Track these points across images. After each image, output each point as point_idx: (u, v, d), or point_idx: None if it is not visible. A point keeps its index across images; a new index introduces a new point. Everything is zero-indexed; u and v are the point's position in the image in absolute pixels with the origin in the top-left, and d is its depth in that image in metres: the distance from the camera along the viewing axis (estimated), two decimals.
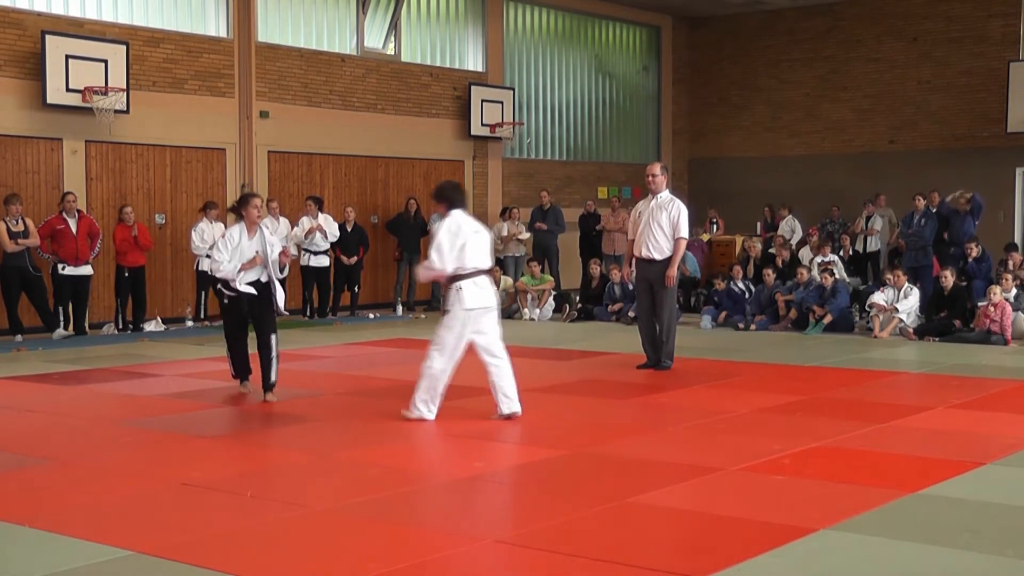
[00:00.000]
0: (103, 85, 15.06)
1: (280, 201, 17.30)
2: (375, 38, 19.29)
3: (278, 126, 17.61)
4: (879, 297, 14.21)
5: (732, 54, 24.33)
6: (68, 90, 14.88)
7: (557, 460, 7.01)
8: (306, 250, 16.90)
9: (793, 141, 23.56)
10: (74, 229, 14.29)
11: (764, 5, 23.20)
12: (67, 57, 14.84)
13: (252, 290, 9.27)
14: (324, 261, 17.09)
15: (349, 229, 17.32)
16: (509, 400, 8.36)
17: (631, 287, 14.21)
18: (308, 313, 17.01)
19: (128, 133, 15.85)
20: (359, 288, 17.56)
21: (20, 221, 13.83)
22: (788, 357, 12.13)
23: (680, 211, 11.00)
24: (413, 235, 18.16)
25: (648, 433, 7.91)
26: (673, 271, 10.95)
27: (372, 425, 8.36)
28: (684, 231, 10.98)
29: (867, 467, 6.80)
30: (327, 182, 18.36)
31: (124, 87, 15.32)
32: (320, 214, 16.90)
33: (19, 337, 13.68)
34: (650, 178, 11.19)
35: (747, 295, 15.76)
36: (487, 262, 8.41)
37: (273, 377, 9.30)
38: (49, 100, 14.84)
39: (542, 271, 17.81)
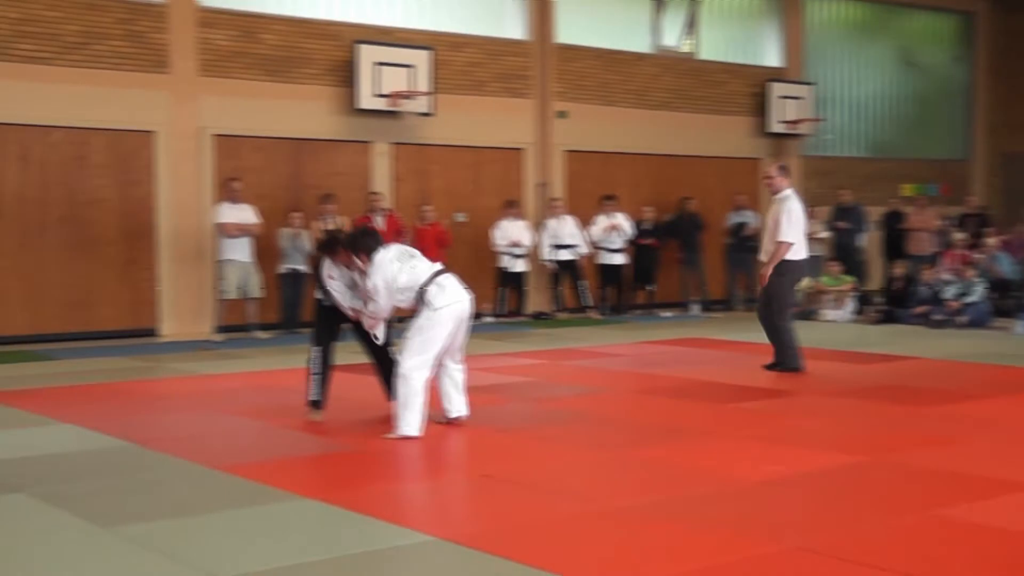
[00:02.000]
0: (409, 89, 15.73)
1: (576, 199, 17.58)
2: (672, 36, 19.27)
3: (575, 126, 17.87)
4: None
5: None
6: (377, 95, 15.63)
7: (856, 467, 6.81)
8: (602, 248, 17.11)
9: None
10: (380, 227, 14.96)
11: None
12: (377, 64, 15.58)
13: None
14: (621, 259, 17.25)
15: (647, 227, 17.44)
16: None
17: (933, 289, 13.60)
18: (604, 311, 17.20)
19: (431, 135, 16.48)
20: (654, 286, 17.60)
21: (332, 220, 14.60)
22: None
23: (787, 211, 10.51)
24: (691, 234, 18.04)
25: (952, 444, 7.56)
26: (767, 271, 10.60)
27: (662, 423, 8.38)
28: (784, 235, 10.47)
29: None
30: (622, 181, 18.48)
31: (429, 91, 15.94)
32: (616, 213, 17.06)
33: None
34: (767, 180, 10.89)
35: None
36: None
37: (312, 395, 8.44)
38: (360, 105, 15.63)
39: (842, 272, 17.32)
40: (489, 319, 16.47)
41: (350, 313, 8.23)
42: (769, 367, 10.85)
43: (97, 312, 14.26)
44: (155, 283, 14.61)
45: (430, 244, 15.61)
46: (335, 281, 8.17)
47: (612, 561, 4.98)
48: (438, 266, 8.00)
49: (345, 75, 15.70)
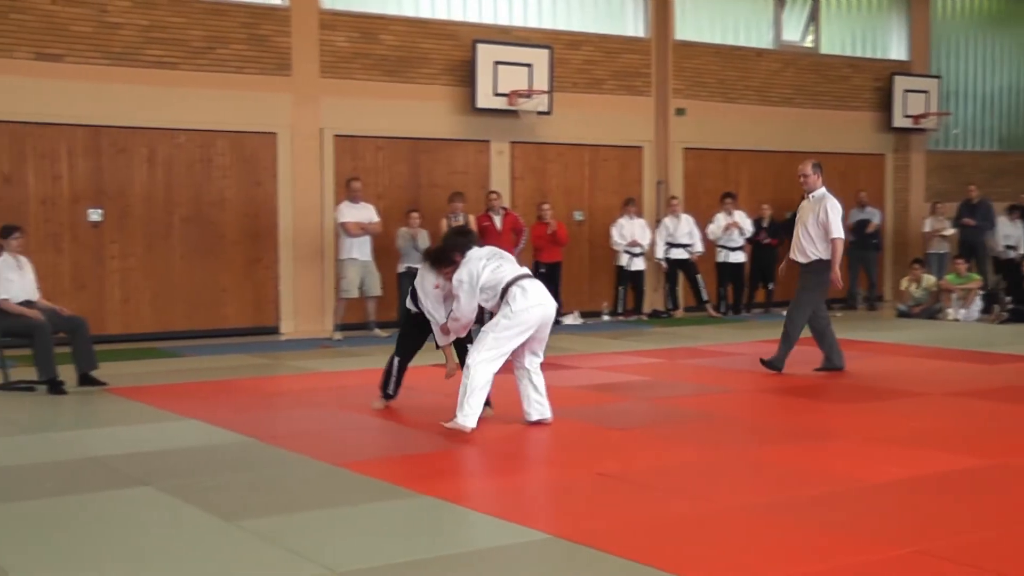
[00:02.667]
0: (527, 88, 15.79)
1: (695, 197, 17.50)
2: (793, 30, 19.03)
3: (694, 123, 17.76)
4: None
5: None
6: (496, 94, 15.72)
7: (980, 470, 6.66)
8: (722, 246, 16.98)
9: None
10: (499, 225, 15.06)
11: None
12: (495, 63, 15.68)
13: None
14: (740, 257, 17.11)
15: (766, 225, 17.25)
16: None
17: None
18: (723, 310, 17.06)
19: (549, 133, 16.53)
20: (774, 285, 17.41)
21: (461, 217, 14.73)
22: None
23: (828, 210, 10.38)
24: None
25: None
26: (836, 274, 10.44)
27: (781, 423, 8.30)
28: (836, 231, 10.34)
29: None
30: (742, 178, 18.32)
31: (547, 89, 15.99)
32: (735, 211, 16.92)
33: None
34: (802, 178, 10.70)
35: None
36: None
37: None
38: (479, 104, 15.74)
39: (968, 269, 16.92)
40: (606, 318, 16.47)
41: (439, 327, 8.24)
42: (819, 369, 10.77)
43: (220, 310, 14.61)
44: (277, 282, 14.91)
45: (547, 242, 15.69)
46: (439, 291, 8.18)
47: (728, 561, 4.95)
48: (524, 269, 8.03)
49: (463, 74, 15.83)
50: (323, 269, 15.12)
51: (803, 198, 10.85)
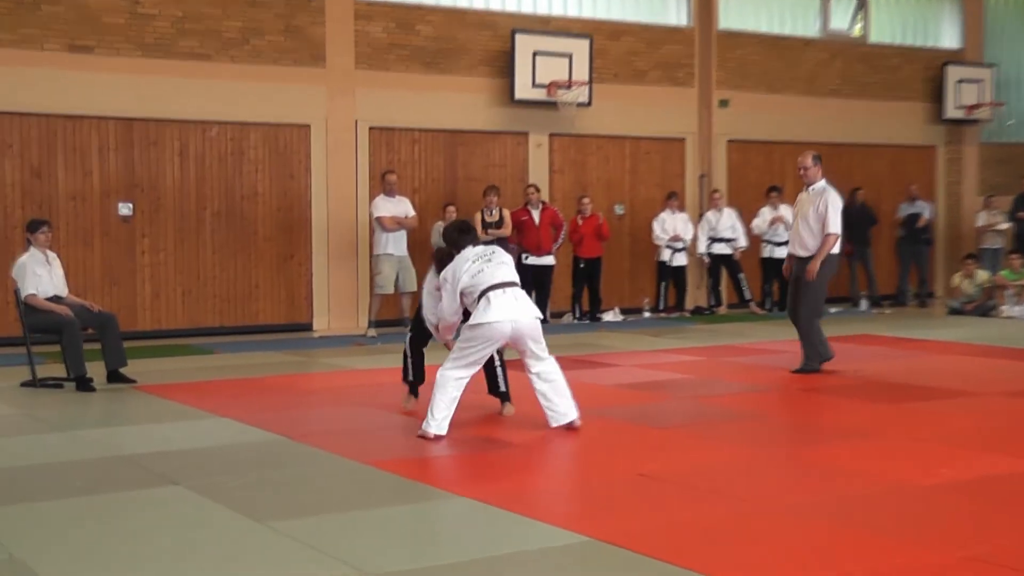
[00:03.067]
0: (567, 79, 15.76)
1: (739, 191, 17.41)
2: (841, 19, 18.89)
3: (738, 114, 17.67)
4: None
5: None
6: (534, 86, 15.69)
7: None
8: (767, 241, 16.87)
9: None
10: (537, 220, 15.04)
11: None
12: (534, 54, 15.66)
13: None
14: (785, 253, 16.95)
15: None
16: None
17: None
18: (768, 306, 16.96)
19: (589, 125, 16.49)
20: None
21: (496, 212, 14.72)
22: None
23: (828, 204, 10.25)
24: (861, 227, 17.60)
25: None
26: (815, 265, 10.24)
27: (827, 423, 8.24)
28: (833, 226, 10.22)
29: None
30: (788, 171, 18.16)
31: (587, 80, 15.94)
32: (780, 205, 16.81)
33: None
34: (801, 171, 10.51)
35: None
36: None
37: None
38: (517, 96, 15.73)
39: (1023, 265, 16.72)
40: (647, 314, 16.42)
41: (433, 327, 8.22)
42: (798, 370, 10.58)
43: (253, 306, 14.68)
44: (310, 277, 14.95)
45: (588, 237, 15.65)
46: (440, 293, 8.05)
47: (770, 565, 4.91)
48: (507, 277, 7.72)
49: (502, 65, 15.82)
50: (357, 264, 15.16)
51: (803, 191, 10.69)
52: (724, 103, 17.57)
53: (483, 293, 7.59)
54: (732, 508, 5.83)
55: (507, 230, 14.74)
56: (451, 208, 14.70)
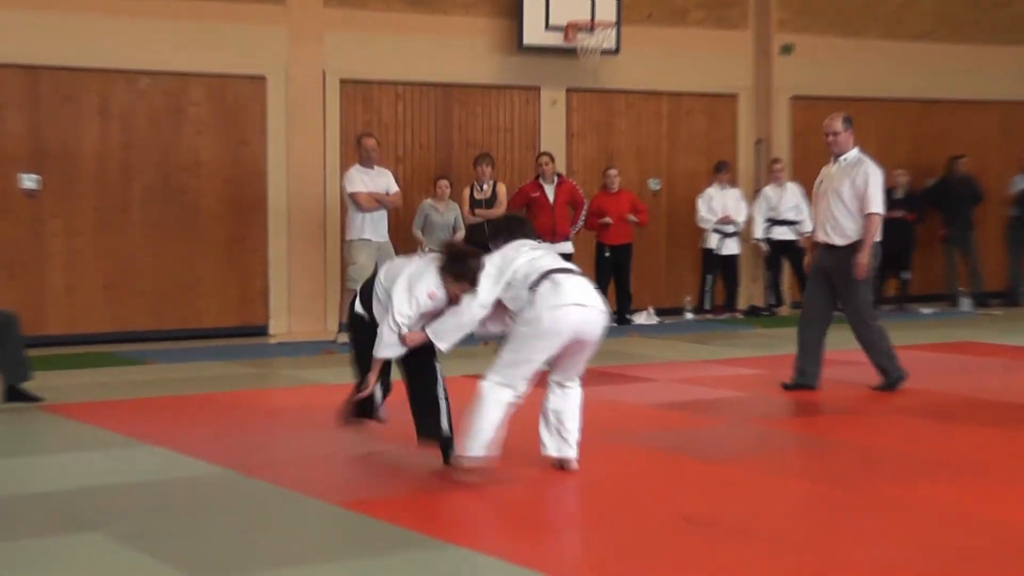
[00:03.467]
0: (588, 20, 15.71)
1: (805, 160, 17.35)
2: None
3: (805, 64, 17.63)
4: None
5: None
6: (548, 28, 15.65)
7: None
8: None
9: None
10: (551, 198, 14.96)
11: None
12: None
13: None
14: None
15: (899, 196, 17.05)
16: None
17: None
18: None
19: (617, 78, 16.45)
20: (909, 275, 17.26)
21: (488, 187, 14.65)
22: None
23: (868, 177, 10.22)
24: (962, 205, 17.54)
25: None
26: (865, 257, 10.19)
27: (920, 454, 8.18)
28: (876, 204, 10.19)
29: None
30: (868, 134, 18.06)
31: (614, 21, 15.90)
32: None
33: None
34: (830, 137, 10.51)
35: None
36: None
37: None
38: (526, 41, 15.69)
39: None
40: (690, 316, 16.38)
41: (395, 334, 7.59)
42: (880, 387, 10.55)
43: (194, 305, 14.69)
44: (266, 268, 14.92)
45: (616, 218, 15.59)
46: (429, 302, 7.55)
47: None
48: (568, 264, 7.66)
49: (508, 3, 15.78)
50: (325, 253, 15.17)
51: (831, 162, 10.61)
52: (787, 49, 17.54)
53: (545, 275, 7.33)
54: (803, 562, 5.80)
55: (501, 210, 14.57)
56: (443, 182, 14.66)
